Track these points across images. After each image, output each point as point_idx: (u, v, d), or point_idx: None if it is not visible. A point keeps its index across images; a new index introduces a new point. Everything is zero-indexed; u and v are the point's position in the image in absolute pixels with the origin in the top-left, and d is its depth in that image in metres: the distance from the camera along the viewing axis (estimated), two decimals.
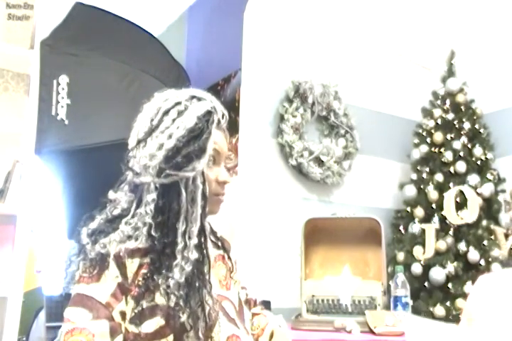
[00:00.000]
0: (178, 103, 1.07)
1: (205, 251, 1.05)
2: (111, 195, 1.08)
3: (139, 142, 1.06)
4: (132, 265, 1.00)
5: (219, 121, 1.10)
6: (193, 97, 1.09)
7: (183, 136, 1.02)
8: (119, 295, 0.98)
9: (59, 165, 2.23)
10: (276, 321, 1.29)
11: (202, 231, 1.05)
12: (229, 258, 1.22)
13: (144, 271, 0.99)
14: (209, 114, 1.07)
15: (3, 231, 2.05)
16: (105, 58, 2.31)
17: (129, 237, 1.00)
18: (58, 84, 2.14)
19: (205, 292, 1.01)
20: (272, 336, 1.26)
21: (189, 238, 1.02)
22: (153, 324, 0.96)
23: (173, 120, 1.04)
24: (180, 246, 1.00)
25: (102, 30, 2.41)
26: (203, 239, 1.05)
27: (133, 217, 1.03)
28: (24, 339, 2.31)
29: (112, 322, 0.96)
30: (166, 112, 1.06)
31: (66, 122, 2.13)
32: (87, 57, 2.27)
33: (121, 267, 0.99)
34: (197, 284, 1.00)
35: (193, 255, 1.01)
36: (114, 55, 2.34)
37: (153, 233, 1.00)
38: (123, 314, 0.98)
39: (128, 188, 1.07)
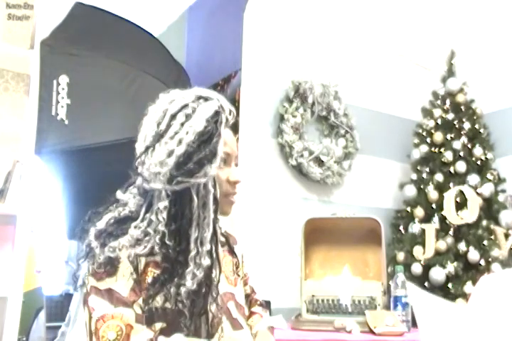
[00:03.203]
0: (185, 105, 1.04)
1: (215, 256, 1.04)
2: (118, 194, 1.07)
3: (147, 148, 1.03)
4: (140, 263, 1.00)
5: (227, 120, 1.07)
6: (199, 98, 1.07)
7: (193, 141, 1.00)
8: (137, 291, 0.98)
9: (59, 165, 2.22)
10: (267, 323, 1.27)
11: (214, 236, 1.04)
12: (234, 253, 1.21)
13: (153, 271, 0.99)
14: (217, 114, 1.04)
15: (3, 231, 2.05)
16: (105, 58, 2.30)
17: (138, 241, 0.99)
18: (58, 84, 2.14)
19: (210, 299, 1.02)
20: (255, 336, 1.25)
21: (201, 244, 1.01)
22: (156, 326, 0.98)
23: (182, 124, 1.01)
24: (192, 253, 1.00)
25: (102, 30, 2.40)
26: (214, 245, 1.04)
27: (142, 221, 1.02)
28: (24, 339, 2.31)
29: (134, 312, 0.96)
30: (174, 116, 1.03)
31: (66, 122, 2.12)
32: (87, 57, 2.27)
33: (134, 263, 0.99)
34: (203, 290, 1.00)
35: (206, 261, 1.01)
36: (114, 55, 2.33)
37: (167, 241, 0.99)
38: (141, 308, 0.97)
39: (137, 192, 1.06)
